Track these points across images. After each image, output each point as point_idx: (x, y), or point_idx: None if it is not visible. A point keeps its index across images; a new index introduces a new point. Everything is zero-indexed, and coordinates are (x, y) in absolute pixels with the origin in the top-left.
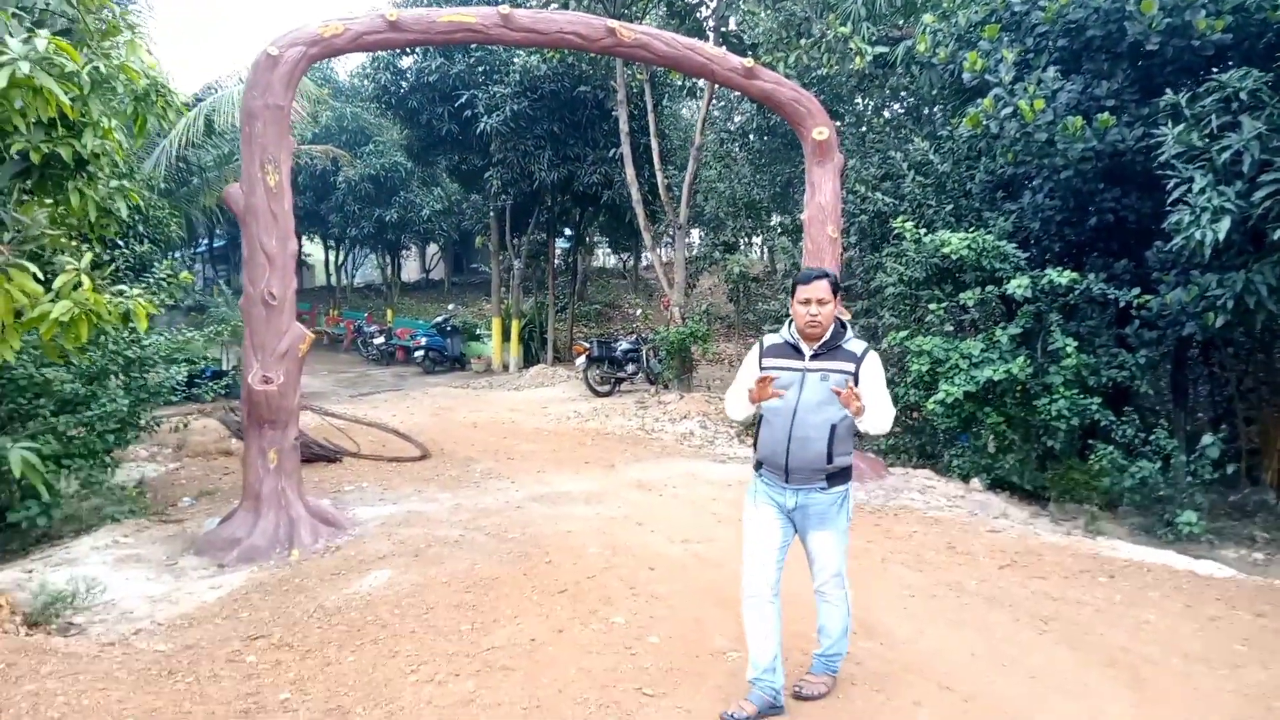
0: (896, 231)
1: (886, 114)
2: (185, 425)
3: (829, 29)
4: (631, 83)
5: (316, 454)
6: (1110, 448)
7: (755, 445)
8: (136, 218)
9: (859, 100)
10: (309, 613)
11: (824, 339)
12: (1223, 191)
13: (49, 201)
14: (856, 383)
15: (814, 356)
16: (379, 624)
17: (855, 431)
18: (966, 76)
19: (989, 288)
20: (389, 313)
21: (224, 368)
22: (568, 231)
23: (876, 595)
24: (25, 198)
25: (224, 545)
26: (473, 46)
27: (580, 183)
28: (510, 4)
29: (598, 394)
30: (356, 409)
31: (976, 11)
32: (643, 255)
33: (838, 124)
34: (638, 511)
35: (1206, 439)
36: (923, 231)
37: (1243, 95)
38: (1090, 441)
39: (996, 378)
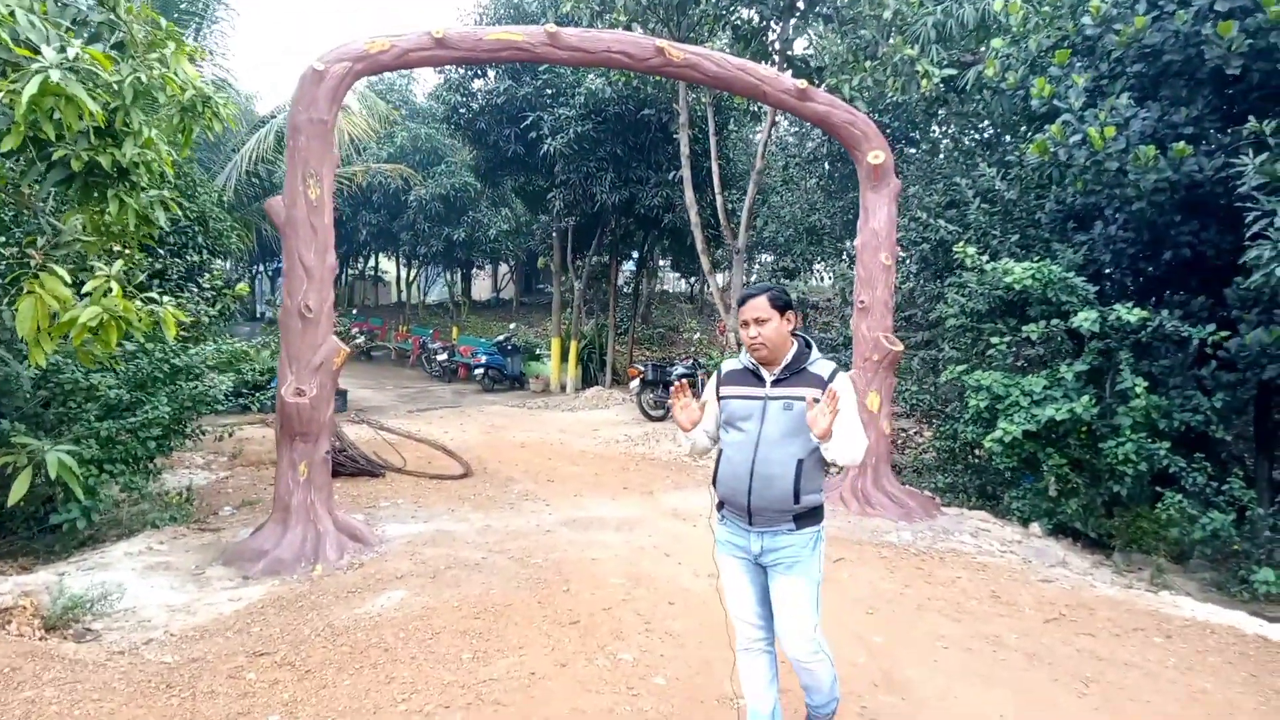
0: (959, 260)
1: (954, 140)
2: (230, 434)
3: (896, 51)
4: (696, 106)
5: (360, 468)
6: (1180, 496)
7: (714, 482)
8: (196, 229)
9: (934, 128)
10: (317, 631)
11: (784, 362)
12: None
13: (91, 209)
14: None
15: (775, 383)
16: (382, 647)
17: (824, 465)
18: (1035, 103)
19: (1054, 321)
20: (454, 330)
21: None
22: (635, 255)
23: (907, 645)
24: (65, 206)
25: (251, 557)
26: (540, 69)
27: (642, 205)
28: (570, 23)
29: (650, 418)
30: (412, 424)
31: (1048, 36)
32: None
33: (912, 151)
34: (668, 541)
35: None
36: (985, 259)
37: None
38: (1159, 489)
39: (1059, 417)
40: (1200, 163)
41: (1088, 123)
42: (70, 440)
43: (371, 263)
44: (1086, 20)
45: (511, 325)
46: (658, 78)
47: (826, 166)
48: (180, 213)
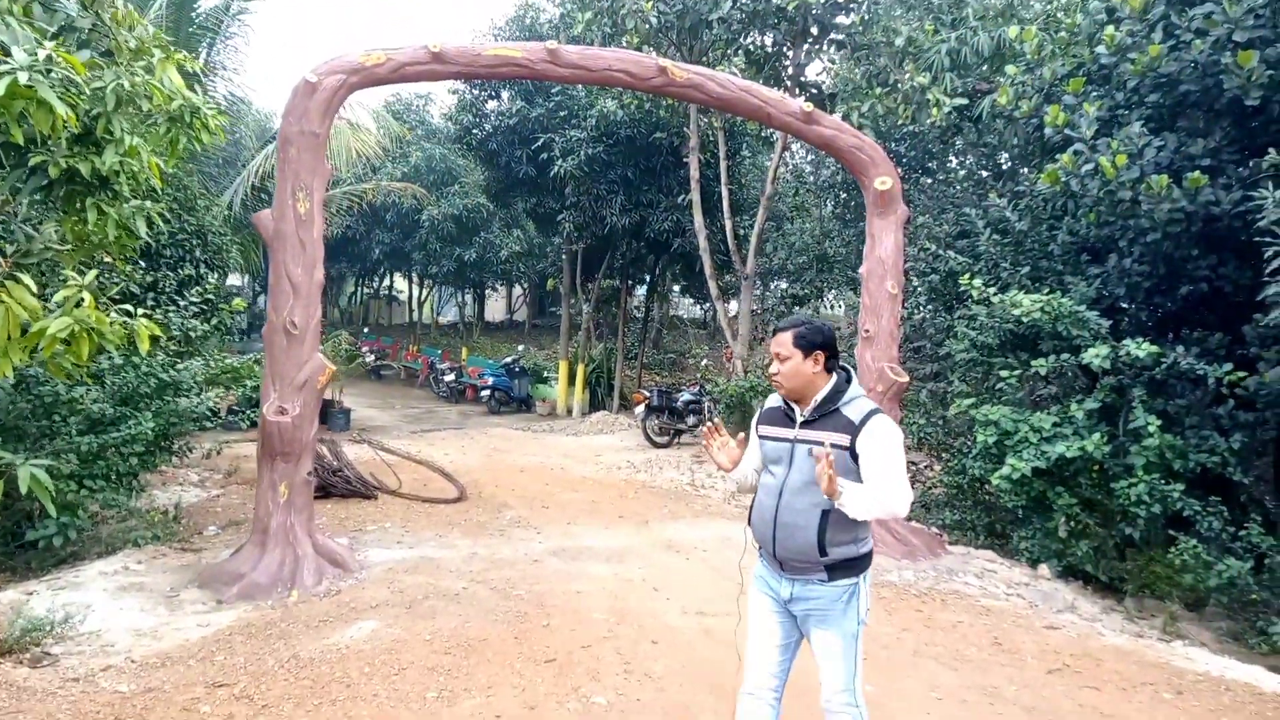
0: (966, 290)
1: (966, 170)
2: (219, 451)
3: (908, 79)
4: (708, 130)
5: (352, 489)
6: (1195, 541)
7: (749, 522)
8: (194, 242)
9: (952, 159)
10: (282, 662)
11: (815, 402)
12: None
13: (71, 219)
14: (854, 459)
15: (805, 424)
16: (345, 682)
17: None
18: (1049, 131)
19: (1065, 356)
20: (464, 351)
21: None
22: (646, 279)
23: (898, 696)
24: (50, 214)
25: (227, 580)
26: (553, 91)
27: (652, 229)
28: (579, 42)
29: (655, 444)
30: (414, 444)
31: (1064, 64)
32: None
33: (929, 181)
34: (658, 574)
35: None
36: (992, 291)
37: None
38: (1173, 533)
39: (1070, 455)
40: (1218, 195)
41: (1100, 152)
42: (49, 454)
43: (387, 282)
44: (1101, 49)
45: (520, 347)
46: (670, 100)
47: (842, 194)
48: (175, 226)
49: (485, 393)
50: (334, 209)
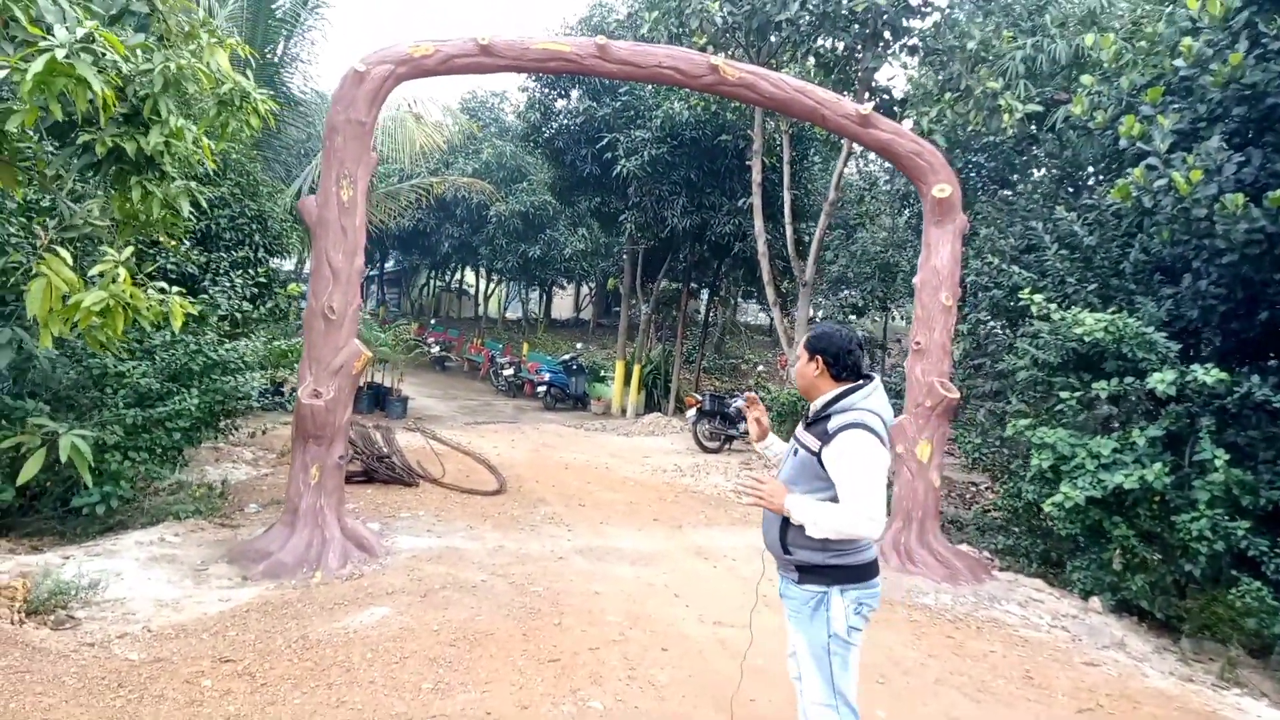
0: (1025, 305)
1: (1032, 183)
2: (264, 431)
3: (979, 84)
4: (775, 134)
5: (393, 477)
6: (1259, 584)
7: None
8: (254, 226)
9: (1035, 171)
10: (291, 642)
11: (815, 407)
12: None
13: (119, 197)
14: (822, 466)
15: (805, 426)
16: (345, 667)
17: None
18: (1123, 143)
19: (1129, 380)
20: (525, 346)
21: (371, 381)
22: (707, 282)
23: None
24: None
25: (255, 557)
26: (620, 91)
27: (713, 232)
28: (647, 42)
29: (705, 449)
30: (465, 435)
31: (1142, 74)
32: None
33: (1007, 193)
34: (682, 581)
35: None
36: (1052, 308)
37: None
38: (1235, 573)
39: (1128, 485)
40: None
41: (1174, 167)
42: (95, 425)
43: (458, 276)
44: (1179, 61)
45: (579, 345)
46: (738, 103)
47: (915, 203)
48: (236, 210)
49: (542, 388)
50: (402, 202)
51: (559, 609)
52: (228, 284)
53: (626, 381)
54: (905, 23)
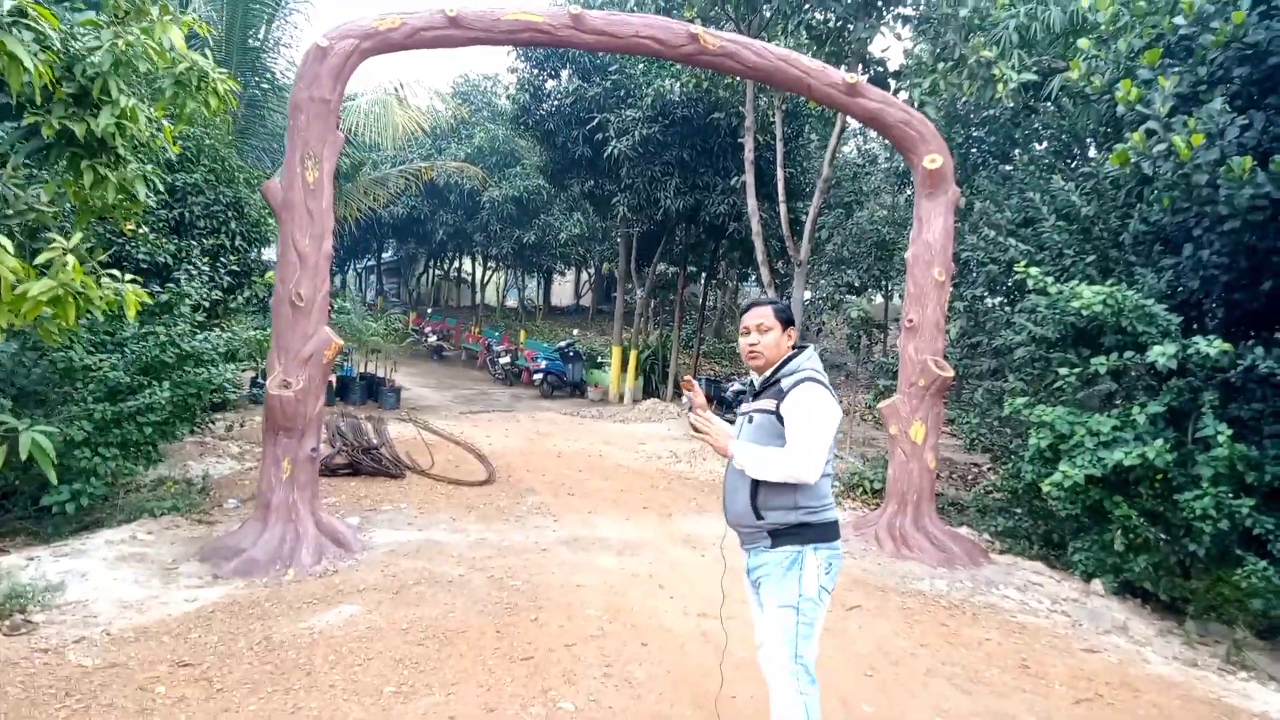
0: (1023, 280)
1: (1031, 154)
2: (242, 425)
3: (974, 53)
4: (769, 110)
5: (379, 469)
6: (1264, 563)
7: None
8: (229, 214)
9: (1037, 145)
10: (253, 644)
11: (766, 375)
12: None
13: (71, 182)
14: (781, 423)
15: (755, 395)
16: (305, 670)
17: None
18: (1121, 109)
19: (1128, 354)
20: (522, 333)
21: (364, 371)
22: (704, 265)
23: (898, 718)
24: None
25: (227, 554)
26: (609, 69)
27: (707, 213)
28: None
29: (700, 436)
30: (458, 425)
31: (1140, 36)
32: (785, 294)
33: (1008, 168)
34: (667, 570)
35: None
36: (1049, 281)
37: None
38: (1240, 553)
39: (1128, 462)
40: None
41: (1175, 131)
42: (62, 421)
43: (457, 264)
44: (1180, 19)
45: (574, 332)
46: (731, 79)
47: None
48: (210, 198)
49: (538, 376)
50: (391, 188)
51: (537, 603)
52: (195, 271)
53: (624, 367)
54: None
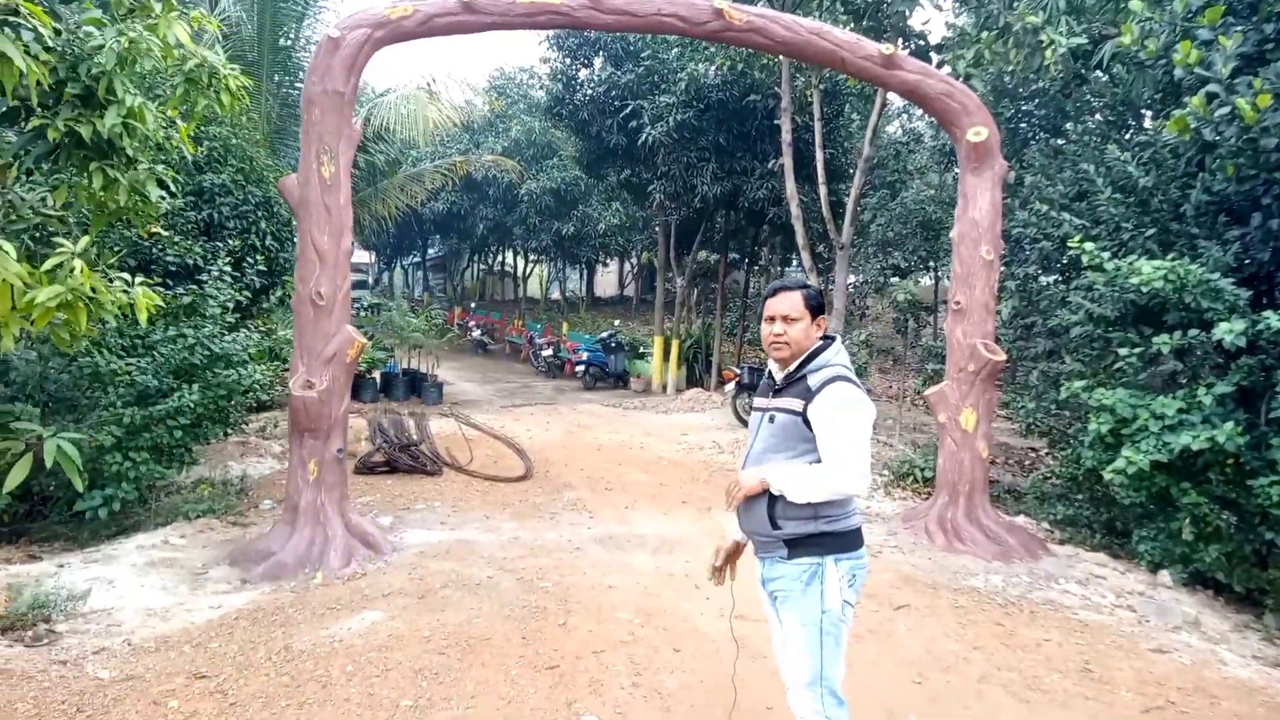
0: (1076, 255)
1: (1084, 124)
2: (276, 425)
3: (1019, 20)
4: (807, 90)
5: (414, 467)
6: None
7: None
8: (259, 214)
9: (1090, 118)
10: (272, 654)
11: (791, 369)
12: None
13: (82, 186)
14: (808, 426)
15: (776, 391)
16: (321, 682)
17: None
18: (1178, 73)
19: (1193, 332)
20: (564, 325)
21: (407, 367)
22: (744, 250)
23: None
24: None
25: (256, 558)
26: (642, 55)
27: (746, 198)
28: None
29: (744, 424)
30: (500, 419)
31: None
32: (828, 278)
33: (1059, 142)
34: (704, 569)
35: None
36: (1105, 257)
37: None
38: None
39: (1196, 447)
40: None
41: (1238, 93)
42: (89, 427)
43: (502, 258)
44: None
45: (616, 322)
46: (767, 59)
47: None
48: (239, 198)
49: (580, 368)
50: (427, 184)
51: (566, 606)
52: (218, 273)
53: (666, 357)
54: None
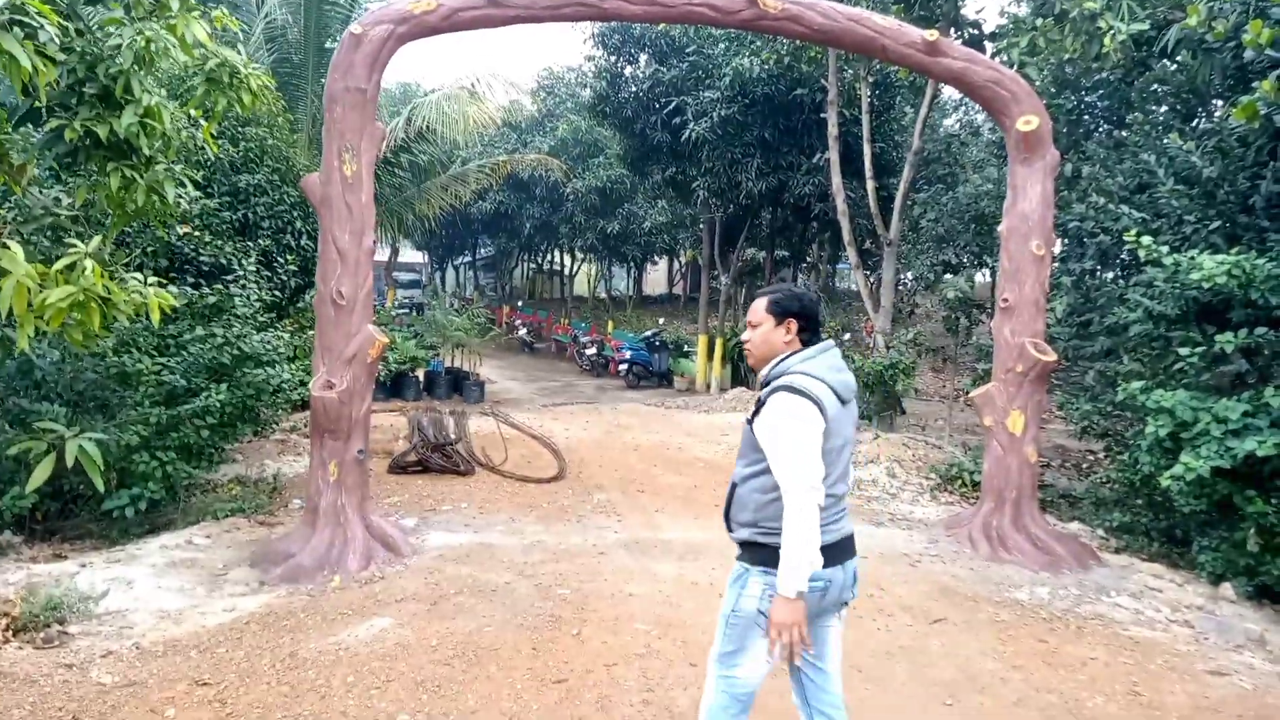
0: (1130, 248)
1: (1145, 113)
2: (306, 425)
3: (1076, 5)
4: (856, 83)
5: (445, 467)
6: None
7: None
8: (294, 214)
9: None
10: (276, 661)
11: (762, 377)
12: None
13: (102, 186)
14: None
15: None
16: (320, 693)
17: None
18: (1249, 55)
19: (1260, 330)
20: (610, 324)
21: (450, 365)
22: (790, 247)
23: None
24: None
25: (275, 559)
26: (687, 50)
27: (791, 194)
28: None
29: None
30: (540, 418)
31: None
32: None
33: (1122, 134)
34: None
35: None
36: (1163, 251)
37: None
38: None
39: (1263, 453)
40: None
41: None
42: (115, 426)
43: (549, 256)
44: None
45: (660, 320)
46: (813, 52)
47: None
48: (274, 198)
49: (624, 366)
50: (471, 184)
51: (582, 615)
52: (243, 273)
53: (710, 356)
54: None
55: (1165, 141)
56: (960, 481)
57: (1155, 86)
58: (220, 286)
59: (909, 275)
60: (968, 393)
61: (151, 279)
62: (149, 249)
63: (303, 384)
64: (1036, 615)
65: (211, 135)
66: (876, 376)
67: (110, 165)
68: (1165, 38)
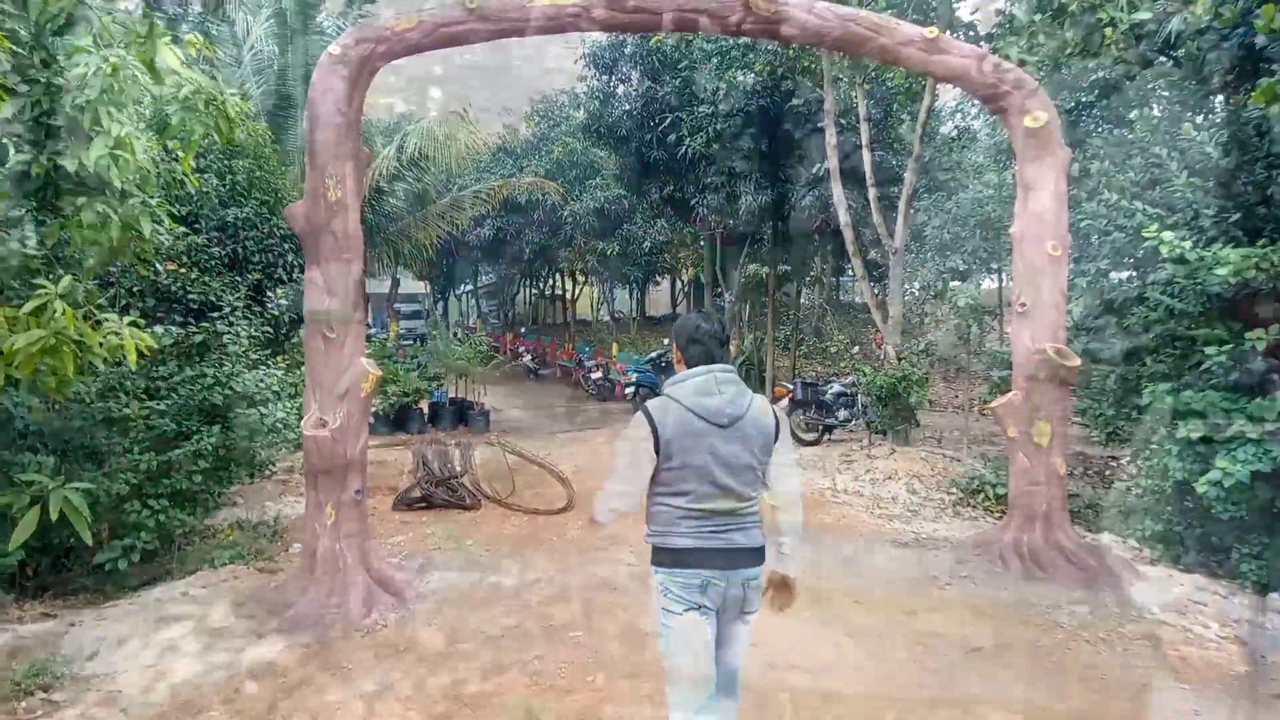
0: (1151, 247)
1: (1152, 106)
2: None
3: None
4: (852, 92)
5: (453, 501)
6: None
7: None
8: (285, 247)
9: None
10: None
11: None
12: None
13: (74, 222)
14: None
15: None
16: None
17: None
18: (1260, 40)
19: None
20: (614, 347)
21: (455, 395)
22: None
23: None
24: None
25: (273, 610)
26: (679, 65)
27: (792, 206)
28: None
29: (802, 443)
30: (546, 446)
31: None
32: (883, 285)
33: (1126, 134)
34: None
35: None
36: (1186, 246)
37: None
38: None
39: None
40: None
41: None
42: (104, 474)
43: (550, 281)
44: None
45: (665, 341)
46: (807, 63)
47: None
48: (264, 231)
49: (630, 389)
50: (468, 210)
51: (595, 659)
52: (229, 309)
53: None
54: None
55: (1177, 133)
56: (983, 495)
57: (1159, 80)
58: (207, 325)
59: (916, 285)
60: (984, 402)
61: (130, 319)
62: (134, 288)
63: (299, 423)
64: (1078, 638)
65: (192, 167)
66: (889, 389)
67: (80, 201)
68: (1167, 29)
